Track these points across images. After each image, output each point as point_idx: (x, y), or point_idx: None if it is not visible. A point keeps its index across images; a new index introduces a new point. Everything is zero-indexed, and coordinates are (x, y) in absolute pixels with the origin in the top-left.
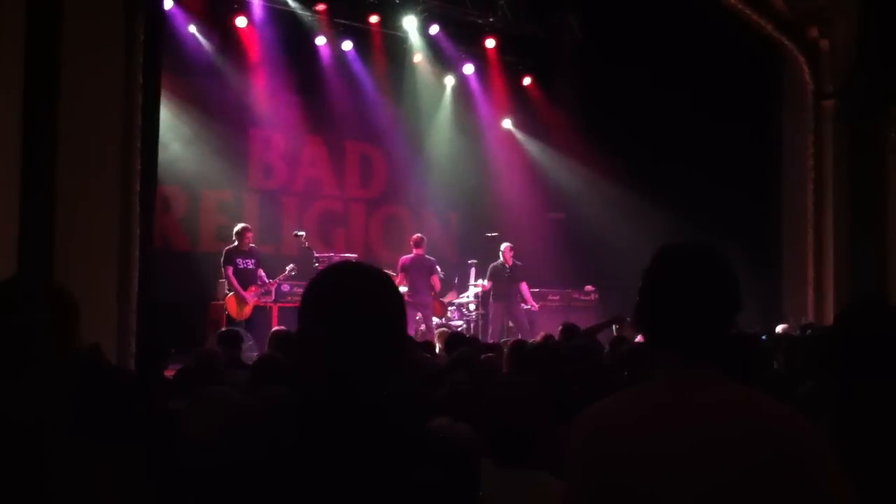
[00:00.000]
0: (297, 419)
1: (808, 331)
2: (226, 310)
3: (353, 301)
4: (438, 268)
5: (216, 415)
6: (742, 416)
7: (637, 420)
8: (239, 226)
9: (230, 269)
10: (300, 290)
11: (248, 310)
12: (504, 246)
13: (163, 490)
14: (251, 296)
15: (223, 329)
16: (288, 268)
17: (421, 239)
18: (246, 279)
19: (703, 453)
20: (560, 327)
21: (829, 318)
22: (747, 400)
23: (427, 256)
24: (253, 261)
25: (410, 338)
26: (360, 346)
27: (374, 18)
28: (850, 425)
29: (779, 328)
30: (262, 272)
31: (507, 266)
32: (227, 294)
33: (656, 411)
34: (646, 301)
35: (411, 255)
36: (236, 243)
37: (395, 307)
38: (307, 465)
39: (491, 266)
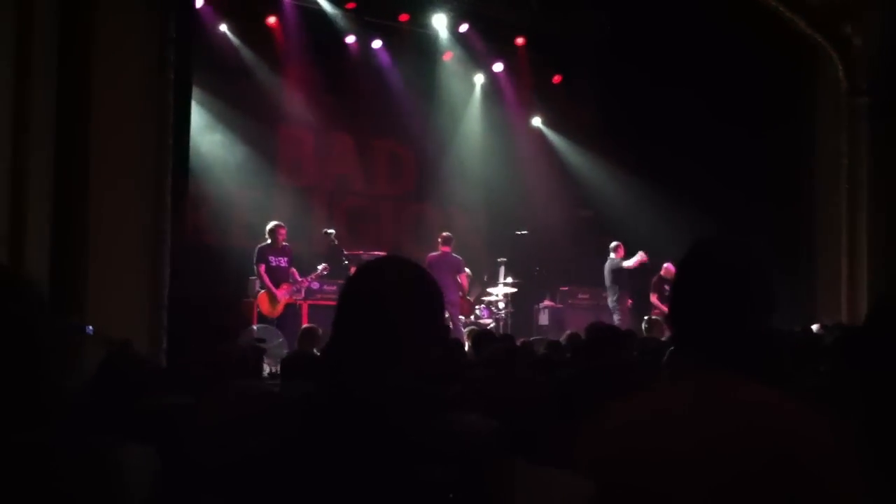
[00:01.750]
0: (303, 415)
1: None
2: (258, 307)
3: (379, 301)
4: (467, 269)
5: (235, 409)
6: (757, 417)
7: (650, 420)
8: (272, 223)
9: (262, 267)
10: (330, 289)
11: (280, 307)
12: (617, 244)
13: (177, 484)
14: (283, 294)
15: (259, 326)
16: (320, 267)
17: (449, 237)
18: (278, 277)
19: (717, 454)
20: (587, 327)
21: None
22: (763, 400)
23: (454, 255)
24: (286, 259)
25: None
26: (381, 344)
27: (403, 17)
28: (875, 421)
29: (813, 328)
30: (294, 270)
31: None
32: (258, 291)
33: (670, 411)
34: (675, 298)
35: (437, 253)
36: (269, 241)
37: (425, 304)
38: (306, 461)
39: (614, 270)
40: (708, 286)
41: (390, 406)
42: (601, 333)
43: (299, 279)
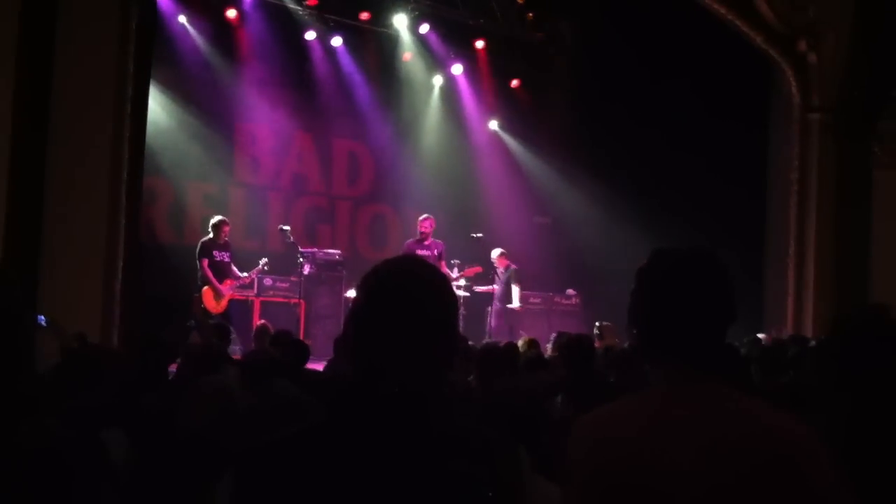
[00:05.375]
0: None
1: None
2: (202, 303)
3: (419, 304)
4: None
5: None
6: (747, 425)
7: (641, 429)
8: (216, 218)
9: (205, 262)
10: (283, 285)
11: (224, 303)
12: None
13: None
14: (227, 289)
15: (212, 322)
16: (261, 262)
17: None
18: (222, 272)
19: (710, 463)
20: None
21: (808, 330)
22: (751, 408)
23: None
24: (228, 254)
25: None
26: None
27: (364, 15)
28: (858, 434)
29: (759, 337)
30: (234, 268)
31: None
32: (200, 287)
33: (661, 420)
34: (643, 306)
35: (414, 240)
36: (212, 236)
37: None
38: (343, 449)
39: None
40: (688, 295)
41: (436, 402)
42: (577, 344)
43: (240, 275)
